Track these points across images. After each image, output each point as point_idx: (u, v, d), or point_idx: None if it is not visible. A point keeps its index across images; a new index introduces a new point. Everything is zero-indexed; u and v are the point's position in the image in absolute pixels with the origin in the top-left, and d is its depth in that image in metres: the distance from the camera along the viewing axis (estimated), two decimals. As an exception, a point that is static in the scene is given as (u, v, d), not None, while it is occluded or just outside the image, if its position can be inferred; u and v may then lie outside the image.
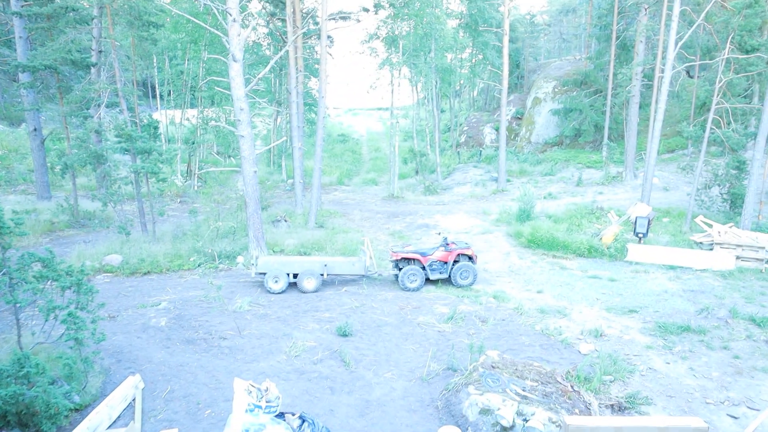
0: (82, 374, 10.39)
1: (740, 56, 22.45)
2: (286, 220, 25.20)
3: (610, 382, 11.56)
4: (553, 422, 9.46)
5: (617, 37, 36.78)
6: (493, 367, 11.14)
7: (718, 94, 22.47)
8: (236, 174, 34.67)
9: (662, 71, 24.78)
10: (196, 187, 34.03)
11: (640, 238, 21.09)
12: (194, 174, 35.58)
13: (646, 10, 31.32)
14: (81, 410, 9.97)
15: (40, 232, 23.17)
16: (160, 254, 19.83)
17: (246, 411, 8.42)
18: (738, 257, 19.18)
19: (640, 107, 33.36)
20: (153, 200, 22.74)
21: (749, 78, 25.63)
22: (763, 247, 19.18)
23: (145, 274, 18.91)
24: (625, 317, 15.29)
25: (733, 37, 22.33)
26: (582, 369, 11.79)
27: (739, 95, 25.89)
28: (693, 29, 24.57)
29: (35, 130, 27.54)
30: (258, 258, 17.37)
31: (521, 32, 54.20)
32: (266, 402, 8.58)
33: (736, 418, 10.54)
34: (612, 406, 10.74)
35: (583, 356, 12.86)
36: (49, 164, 28.68)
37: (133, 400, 10.51)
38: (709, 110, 23.12)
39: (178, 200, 31.93)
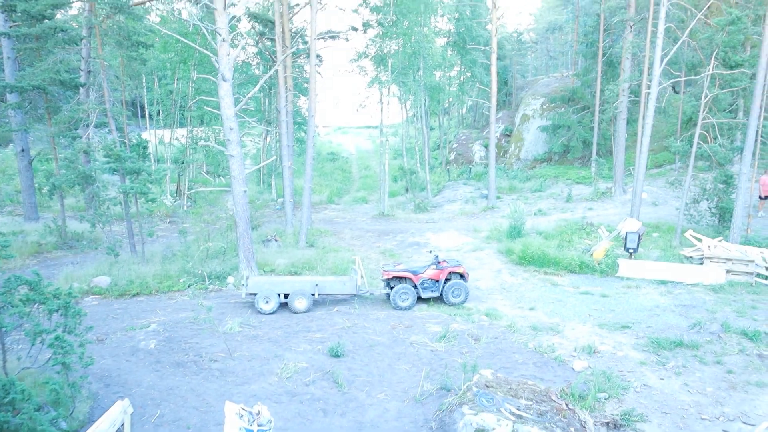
0: (70, 400, 10.19)
1: (725, 72, 22.70)
2: (276, 240, 25.08)
3: (605, 399, 11.49)
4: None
5: (603, 54, 37.15)
6: (487, 386, 11.05)
7: (704, 110, 22.68)
8: (226, 193, 34.54)
9: (649, 87, 25.01)
10: (185, 207, 33.86)
11: (630, 254, 21.13)
12: (184, 194, 35.42)
13: (631, 27, 31.70)
14: (68, 437, 9.79)
15: (27, 254, 22.92)
16: (150, 275, 19.63)
17: (237, 435, 8.29)
18: (728, 271, 19.24)
19: (627, 123, 33.61)
20: (142, 221, 22.60)
21: (734, 93, 25.90)
22: (753, 261, 19.26)
23: (134, 295, 18.71)
24: (617, 333, 15.26)
25: (717, 54, 22.58)
26: (576, 387, 11.73)
27: (724, 110, 26.13)
28: (678, 46, 24.87)
29: (23, 150, 27.35)
30: (248, 278, 17.25)
31: (509, 50, 54.65)
32: (258, 426, 8.45)
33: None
34: (607, 424, 10.67)
35: (576, 373, 12.80)
36: (36, 185, 28.44)
37: (122, 425, 10.33)
38: (695, 125, 23.29)
39: (168, 220, 31.73)
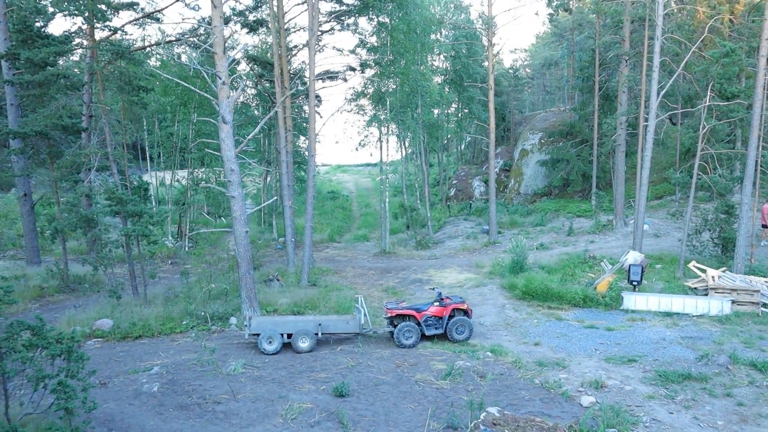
0: (71, 447, 10.04)
1: (721, 103, 22.95)
2: (278, 279, 25.03)
3: (615, 435, 11.30)
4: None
5: (600, 88, 37.63)
6: (494, 423, 10.90)
7: (702, 141, 22.87)
8: (227, 234, 34.60)
9: (646, 120, 25.26)
10: (187, 249, 33.88)
11: (634, 286, 21.05)
12: (185, 235, 35.48)
13: (626, 61, 32.16)
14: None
15: (29, 298, 22.85)
16: (152, 317, 19.51)
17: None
18: (734, 301, 19.12)
19: (626, 155, 33.82)
20: (144, 263, 22.57)
21: (731, 124, 26.14)
22: (758, 291, 19.17)
23: (136, 338, 18.57)
24: (624, 367, 15.09)
25: (713, 85, 22.87)
26: (585, 423, 11.56)
27: (722, 140, 26.34)
28: (674, 79, 25.17)
29: (25, 195, 27.49)
30: (251, 319, 17.15)
31: (505, 86, 55.37)
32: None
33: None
34: (618, 460, 10.48)
35: (584, 409, 12.61)
36: (38, 229, 28.50)
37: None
38: (694, 156, 23.46)
39: (170, 262, 31.71)
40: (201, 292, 21.65)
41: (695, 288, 20.78)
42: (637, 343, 16.81)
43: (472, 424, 11.06)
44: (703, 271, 21.24)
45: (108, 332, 18.63)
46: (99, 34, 26.82)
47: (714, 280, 20.12)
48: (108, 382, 14.39)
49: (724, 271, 21.24)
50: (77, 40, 28.85)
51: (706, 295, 19.82)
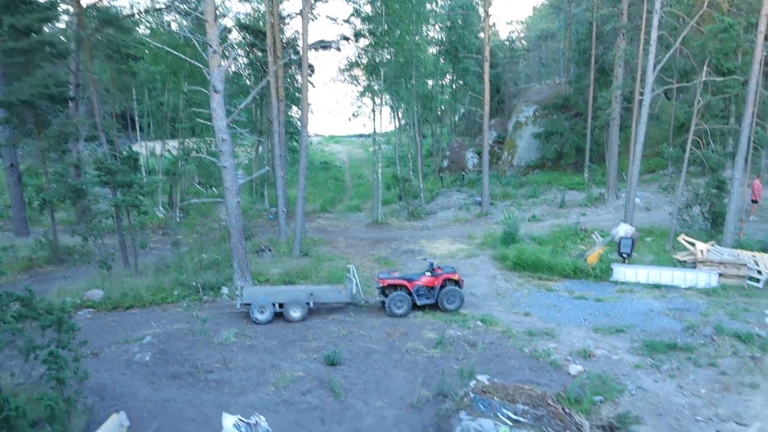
0: (65, 415, 10.08)
1: (717, 79, 22.85)
2: (270, 250, 25.02)
3: (601, 402, 11.48)
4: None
5: (596, 62, 37.33)
6: (483, 391, 11.03)
7: (696, 116, 22.83)
8: (219, 204, 34.43)
9: (641, 94, 25.17)
10: (178, 219, 33.71)
11: (624, 258, 21.20)
12: (176, 205, 35.28)
13: (623, 35, 31.85)
14: (66, 453, 9.67)
15: (18, 270, 22.74)
16: (143, 288, 19.48)
17: (235, 446, 8.25)
18: (721, 274, 19.29)
19: (620, 129, 33.71)
20: (134, 233, 22.48)
21: (726, 99, 26.06)
22: (745, 264, 19.34)
23: (127, 308, 18.57)
24: (612, 337, 15.28)
25: (709, 61, 22.74)
26: (572, 390, 11.72)
27: (716, 116, 26.27)
28: (671, 53, 25.00)
29: (12, 165, 27.19)
30: (243, 288, 17.18)
31: (501, 57, 54.82)
32: (255, 436, 8.41)
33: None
34: (603, 427, 10.66)
35: (572, 378, 12.80)
36: (26, 200, 28.20)
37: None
38: (688, 131, 23.46)
39: (160, 232, 31.58)
40: (192, 262, 21.62)
41: (684, 261, 20.95)
42: (625, 314, 16.99)
43: (462, 392, 11.19)
44: (693, 244, 21.39)
45: (99, 303, 18.61)
46: (86, 0, 26.25)
47: (702, 254, 20.27)
48: (100, 353, 14.44)
49: (712, 245, 21.39)
50: (63, 6, 28.22)
51: (695, 268, 19.98)
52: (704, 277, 19.23)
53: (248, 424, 8.50)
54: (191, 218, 31.83)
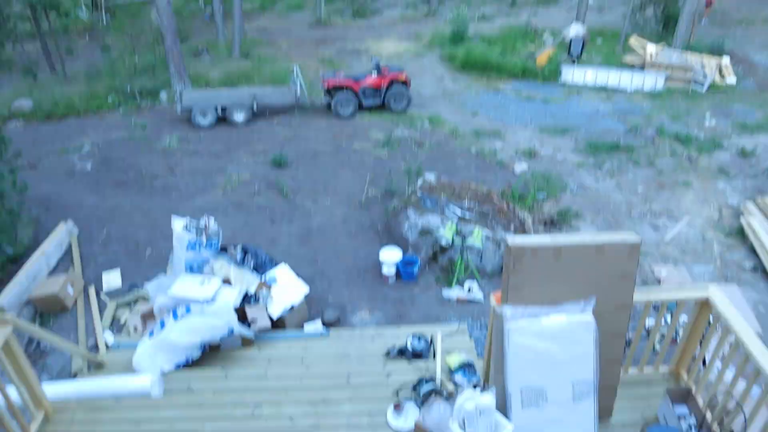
0: (10, 226, 9.74)
1: None
2: (208, 52, 23.57)
3: (543, 199, 11.87)
4: (489, 239, 9.71)
5: None
6: (431, 189, 11.17)
7: None
8: (149, 4, 31.59)
9: None
10: (105, 22, 30.92)
11: (574, 60, 20.92)
12: (101, 6, 32.15)
13: None
14: (16, 261, 9.47)
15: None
16: (75, 96, 18.16)
17: (187, 248, 8.24)
18: (668, 77, 19.38)
19: None
20: (57, 38, 20.52)
21: None
22: (692, 68, 19.40)
23: (61, 117, 17.33)
24: (557, 137, 15.48)
25: None
26: (516, 188, 12.04)
27: None
28: None
29: None
30: (182, 93, 16.26)
31: None
32: (207, 237, 8.36)
33: (657, 228, 11.15)
34: (545, 222, 11.11)
35: (517, 176, 13.07)
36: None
37: (69, 246, 10.12)
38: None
39: (87, 37, 29.00)
40: (125, 67, 20.19)
41: (633, 64, 20.85)
42: (571, 116, 17.11)
43: (410, 190, 11.32)
44: (643, 48, 21.15)
45: (29, 113, 17.33)
46: None
47: (651, 57, 20.14)
48: (37, 164, 13.75)
49: (662, 48, 21.22)
50: None
51: (643, 71, 19.95)
52: (651, 80, 19.28)
53: (198, 227, 8.38)
54: (119, 20, 29.33)
